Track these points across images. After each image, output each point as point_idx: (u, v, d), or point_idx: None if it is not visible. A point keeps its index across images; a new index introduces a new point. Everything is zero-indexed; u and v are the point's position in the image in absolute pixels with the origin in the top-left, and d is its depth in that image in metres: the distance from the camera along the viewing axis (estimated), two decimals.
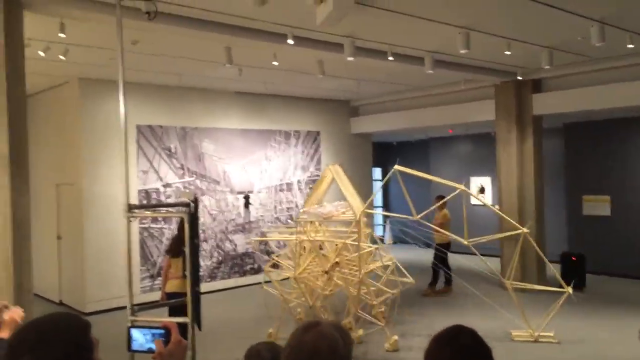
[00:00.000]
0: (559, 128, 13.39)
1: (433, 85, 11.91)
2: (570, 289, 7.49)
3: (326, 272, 7.68)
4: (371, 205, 8.69)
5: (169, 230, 10.80)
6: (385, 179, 9.34)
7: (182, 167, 11.17)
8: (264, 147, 12.49)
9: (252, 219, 12.20)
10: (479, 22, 6.96)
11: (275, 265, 8.69)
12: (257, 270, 11.92)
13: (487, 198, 15.71)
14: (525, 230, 7.77)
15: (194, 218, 5.68)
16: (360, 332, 7.78)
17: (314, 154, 13.46)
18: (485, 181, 15.67)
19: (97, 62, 8.54)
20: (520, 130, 10.81)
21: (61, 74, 9.57)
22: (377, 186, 18.52)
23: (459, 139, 16.24)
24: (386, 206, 19.23)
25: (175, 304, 6.23)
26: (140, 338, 1.82)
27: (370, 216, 14.03)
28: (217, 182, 11.69)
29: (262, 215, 12.35)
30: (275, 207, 12.60)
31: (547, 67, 8.54)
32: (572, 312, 8.64)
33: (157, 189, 10.80)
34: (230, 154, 11.87)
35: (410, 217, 8.57)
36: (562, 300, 7.56)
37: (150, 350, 1.78)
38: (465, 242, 8.05)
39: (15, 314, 3.36)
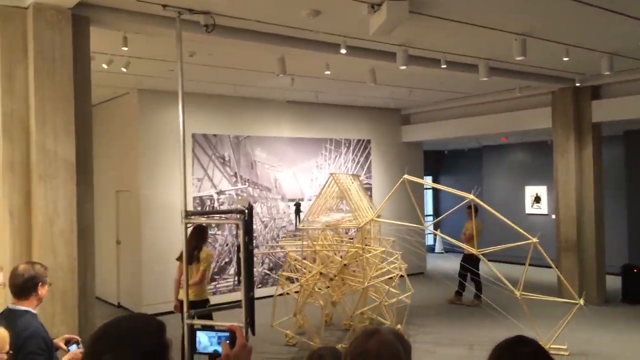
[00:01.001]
0: (619, 135, 12.90)
1: (487, 93, 11.72)
2: (582, 301, 7.25)
3: (331, 279, 7.74)
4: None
5: (222, 236, 11.03)
6: (394, 189, 9.35)
7: (235, 175, 11.39)
8: (314, 155, 12.58)
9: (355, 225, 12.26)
10: (537, 29, 6.82)
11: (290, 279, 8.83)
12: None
13: (543, 207, 15.28)
14: (534, 240, 7.48)
15: (248, 225, 5.80)
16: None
17: (365, 163, 13.46)
18: (541, 190, 15.26)
19: (155, 73, 8.85)
20: (579, 138, 10.48)
21: (122, 86, 9.96)
22: (428, 195, 18.34)
23: (514, 147, 15.89)
24: (437, 215, 18.97)
25: (232, 307, 6.32)
26: (205, 340, 1.89)
27: (416, 223, 13.92)
28: (269, 190, 11.85)
29: (436, 221, 12.36)
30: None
31: (607, 73, 8.27)
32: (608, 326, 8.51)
33: (211, 196, 11.05)
34: (281, 162, 12.03)
35: (419, 227, 8.72)
36: (572, 312, 7.35)
37: (215, 353, 1.83)
38: (477, 253, 8.03)
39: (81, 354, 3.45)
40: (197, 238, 6.86)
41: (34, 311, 3.38)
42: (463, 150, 17.31)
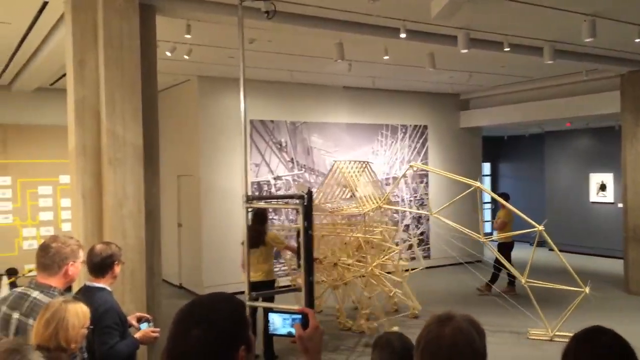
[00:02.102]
0: None
1: (551, 76, 11.31)
2: (587, 289, 7.25)
3: (335, 264, 7.89)
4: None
5: (279, 221, 11.18)
6: (401, 176, 9.27)
7: (291, 161, 11.50)
8: (370, 141, 12.53)
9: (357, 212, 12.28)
10: (608, 9, 6.51)
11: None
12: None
13: (609, 196, 14.67)
14: (540, 227, 7.44)
15: (308, 210, 5.85)
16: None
17: (421, 149, 13.29)
18: (607, 178, 14.64)
19: (216, 60, 9.01)
20: None
21: (183, 73, 10.21)
22: (486, 182, 17.94)
23: (578, 133, 15.28)
24: (494, 203, 18.55)
25: (293, 291, 6.42)
26: (279, 322, 1.92)
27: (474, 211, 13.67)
28: (325, 176, 11.90)
29: (441, 208, 12.36)
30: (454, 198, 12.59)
31: None
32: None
33: (268, 181, 11.21)
34: (337, 148, 12.04)
35: (424, 212, 8.81)
36: (578, 300, 7.37)
37: (289, 334, 1.87)
38: (482, 239, 8.08)
39: (153, 332, 3.61)
40: (260, 222, 7.01)
41: (109, 288, 3.55)
42: (524, 136, 16.79)
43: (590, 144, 15.22)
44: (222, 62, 9.00)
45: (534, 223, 7.53)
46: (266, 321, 1.93)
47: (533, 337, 7.62)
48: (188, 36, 6.70)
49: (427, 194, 12.81)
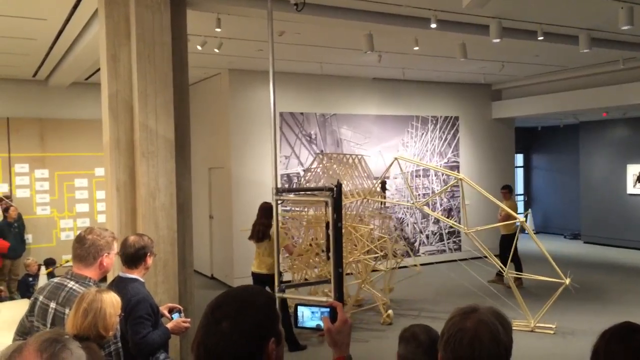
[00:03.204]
0: None
1: (586, 65, 11.02)
2: (568, 280, 7.30)
3: (317, 254, 8.05)
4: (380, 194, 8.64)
5: (306, 213, 11.19)
6: (387, 168, 9.21)
7: (321, 153, 11.50)
8: (400, 132, 12.44)
9: (387, 204, 12.24)
10: None
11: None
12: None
13: None
14: (521, 219, 7.66)
15: (337, 202, 5.86)
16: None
17: (452, 140, 13.14)
18: None
19: (245, 54, 9.06)
20: None
21: (214, 66, 10.29)
22: (519, 173, 17.63)
23: (615, 123, 14.87)
24: (528, 195, 18.26)
25: (322, 283, 6.45)
26: (308, 315, 1.93)
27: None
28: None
29: (426, 200, 12.36)
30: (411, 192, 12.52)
31: None
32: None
33: (298, 173, 11.25)
34: (367, 140, 12.00)
35: (406, 204, 8.88)
36: (558, 292, 7.41)
37: (318, 327, 1.88)
38: (466, 231, 8.15)
39: (185, 323, 3.68)
40: (265, 216, 7.07)
41: (142, 279, 3.63)
42: (558, 127, 16.42)
43: (627, 134, 14.81)
44: (252, 55, 9.04)
45: (515, 215, 8.04)
46: (296, 314, 1.94)
47: (515, 328, 7.55)
48: (218, 30, 6.75)
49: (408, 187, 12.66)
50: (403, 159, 8.65)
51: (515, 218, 8.01)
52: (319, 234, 8.23)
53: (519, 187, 17.74)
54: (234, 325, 1.44)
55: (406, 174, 12.28)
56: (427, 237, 12.83)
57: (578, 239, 15.80)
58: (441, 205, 12.92)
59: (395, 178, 12.33)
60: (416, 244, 12.71)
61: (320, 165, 9.12)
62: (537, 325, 7.57)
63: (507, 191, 10.53)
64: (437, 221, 12.68)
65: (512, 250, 9.11)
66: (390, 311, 8.04)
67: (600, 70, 10.94)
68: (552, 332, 7.52)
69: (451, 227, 12.80)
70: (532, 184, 18.28)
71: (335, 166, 8.96)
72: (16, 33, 7.48)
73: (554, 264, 7.47)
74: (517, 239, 9.03)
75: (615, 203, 14.71)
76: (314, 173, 9.24)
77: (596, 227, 15.15)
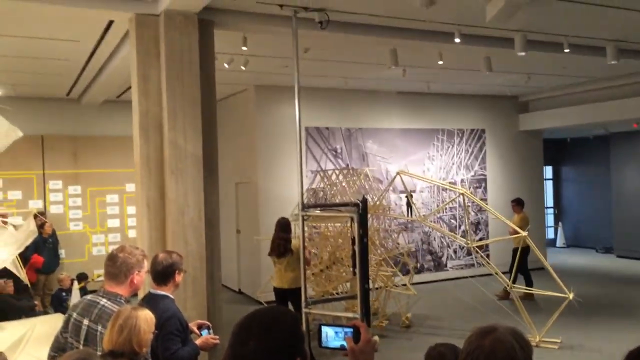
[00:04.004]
0: None
1: (615, 76, 10.85)
2: (571, 295, 7.23)
3: (321, 271, 7.99)
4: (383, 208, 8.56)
5: (333, 227, 11.21)
6: (389, 184, 9.20)
7: (347, 167, 11.54)
8: (426, 146, 12.41)
9: (415, 217, 12.19)
10: None
11: None
12: (420, 270, 11.96)
13: None
14: (524, 233, 7.59)
15: (363, 217, 5.88)
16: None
17: (479, 153, 13.04)
18: None
19: (271, 70, 9.19)
20: None
21: (241, 83, 10.46)
22: (548, 186, 17.38)
23: None
24: (558, 208, 17.96)
25: (348, 298, 6.46)
26: (332, 335, 1.96)
27: (535, 216, 13.30)
28: (380, 182, 11.88)
29: (429, 214, 12.31)
30: (437, 206, 12.47)
31: None
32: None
33: (324, 188, 11.28)
34: (392, 154, 12.00)
35: (406, 218, 9.15)
36: (563, 306, 7.33)
37: (342, 347, 1.90)
38: (470, 244, 8.21)
39: (213, 339, 3.73)
40: (283, 230, 7.14)
41: (172, 296, 3.70)
42: (588, 138, 16.17)
43: None
44: (278, 71, 9.17)
45: (518, 229, 7.94)
46: (320, 334, 1.97)
47: None
48: (244, 48, 6.87)
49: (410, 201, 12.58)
50: (405, 173, 8.75)
51: (521, 231, 7.92)
52: (340, 248, 8.25)
53: (549, 200, 17.46)
54: (260, 345, 1.48)
55: (410, 188, 12.24)
56: (455, 251, 12.71)
57: (611, 253, 15.45)
58: (469, 219, 12.79)
59: (422, 192, 12.29)
60: (443, 258, 12.60)
61: (322, 184, 9.22)
62: (542, 339, 7.45)
63: (516, 204, 10.45)
64: (464, 235, 12.55)
65: (518, 263, 9.09)
66: (376, 337, 7.85)
67: (630, 80, 10.76)
68: (556, 347, 7.40)
69: (479, 240, 12.67)
70: (562, 197, 17.97)
71: (338, 182, 9.04)
72: (51, 54, 7.75)
73: (556, 277, 7.42)
74: (519, 253, 8.96)
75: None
76: (315, 191, 9.37)
77: (629, 241, 14.79)
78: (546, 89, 12.43)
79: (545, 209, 15.18)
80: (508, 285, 7.87)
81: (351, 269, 7.90)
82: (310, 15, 6.03)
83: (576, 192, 17.51)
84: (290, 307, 7.21)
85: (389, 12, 6.37)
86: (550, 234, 17.14)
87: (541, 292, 7.62)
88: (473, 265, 12.82)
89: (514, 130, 13.45)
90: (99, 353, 2.67)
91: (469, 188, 12.74)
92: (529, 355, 1.70)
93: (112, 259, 3.11)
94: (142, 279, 3.19)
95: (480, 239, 12.82)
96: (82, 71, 8.88)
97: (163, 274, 3.61)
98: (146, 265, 3.23)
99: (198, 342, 3.68)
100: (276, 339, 1.51)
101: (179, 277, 3.67)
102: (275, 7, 5.89)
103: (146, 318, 2.72)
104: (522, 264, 9.72)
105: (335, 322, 2.02)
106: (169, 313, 3.52)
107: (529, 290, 8.99)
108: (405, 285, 8.93)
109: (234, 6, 5.97)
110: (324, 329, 1.95)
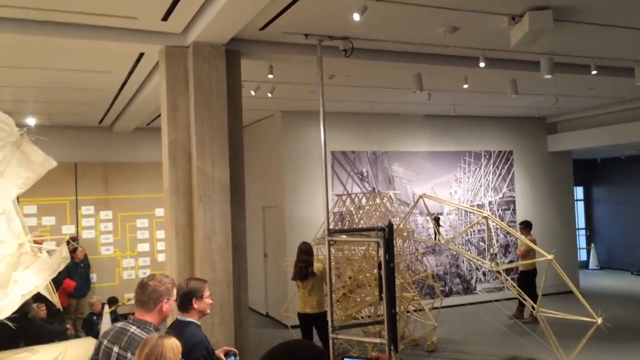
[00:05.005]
0: None
1: None
2: (600, 319, 6.91)
3: (344, 294, 7.87)
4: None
5: (360, 250, 11.20)
6: (411, 208, 9.15)
7: (373, 190, 11.55)
8: (453, 168, 12.35)
9: (442, 241, 12.08)
10: None
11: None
12: (448, 293, 11.81)
13: None
14: (549, 257, 7.21)
15: (389, 242, 5.88)
16: None
17: (507, 175, 12.91)
18: None
19: (297, 96, 9.33)
20: None
21: (267, 109, 10.63)
22: (579, 207, 17.05)
23: None
24: (590, 229, 17.57)
25: (374, 324, 6.43)
26: None
27: (566, 237, 13.04)
28: (407, 205, 11.84)
29: (452, 237, 12.19)
30: (465, 228, 12.34)
31: None
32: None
33: (351, 211, 11.29)
34: (419, 176, 11.97)
35: (428, 241, 8.93)
36: (591, 331, 7.01)
37: None
38: (496, 268, 7.98)
39: None
40: (305, 253, 7.25)
41: (198, 322, 3.74)
42: (619, 158, 15.87)
43: None
44: (304, 97, 9.30)
45: (544, 253, 7.50)
46: None
47: None
48: (270, 76, 7.01)
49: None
50: (428, 197, 8.74)
51: (541, 254, 7.74)
52: (363, 271, 8.23)
53: (580, 221, 17.12)
54: None
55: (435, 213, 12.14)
56: (485, 274, 12.53)
57: None
58: (498, 241, 12.63)
59: (449, 214, 12.19)
60: (472, 281, 12.43)
61: (343, 208, 9.25)
62: None
63: (524, 227, 10.44)
64: (493, 257, 12.38)
65: (528, 286, 8.96)
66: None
67: None
68: None
69: (509, 262, 12.48)
70: (594, 218, 17.60)
71: (358, 206, 9.06)
72: (84, 85, 8.02)
73: (584, 301, 7.22)
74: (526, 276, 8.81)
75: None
76: (342, 214, 9.39)
77: None
78: (574, 110, 12.30)
79: (577, 230, 14.87)
80: (534, 310, 7.71)
81: (374, 292, 7.89)
82: (335, 44, 6.14)
83: (608, 212, 17.14)
84: (315, 333, 7.22)
85: (412, 39, 6.44)
86: (582, 255, 16.76)
87: (568, 316, 7.43)
88: (502, 288, 12.60)
89: (543, 151, 13.30)
90: None
91: (497, 210, 12.60)
92: None
93: (142, 287, 3.19)
94: (171, 307, 3.25)
95: (510, 262, 12.62)
96: (114, 100, 9.15)
97: (182, 301, 3.65)
98: (175, 293, 3.29)
99: None
100: None
101: (198, 304, 3.67)
102: (300, 36, 6.02)
103: (172, 346, 2.77)
104: (531, 287, 9.73)
105: (359, 356, 2.04)
106: (195, 339, 3.55)
107: (549, 312, 8.80)
108: (436, 308, 8.86)
109: (260, 37, 6.11)
110: None
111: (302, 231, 10.64)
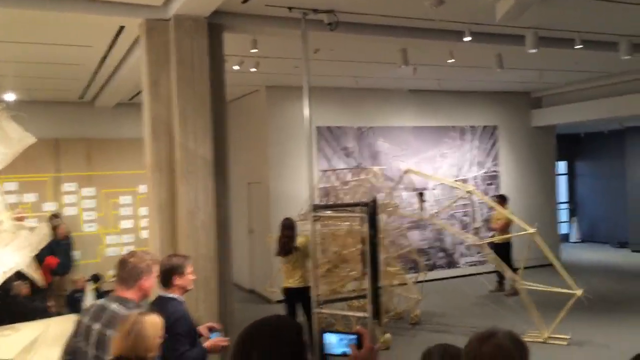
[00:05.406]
0: None
1: (630, 70, 10.72)
2: (579, 291, 7.18)
3: (328, 270, 7.99)
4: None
5: (345, 225, 11.23)
6: (397, 181, 9.20)
7: (358, 166, 11.53)
8: (438, 143, 12.37)
9: (426, 215, 12.15)
10: None
11: None
12: (432, 267, 11.93)
13: None
14: (532, 230, 7.46)
15: (373, 218, 5.90)
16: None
17: (491, 150, 12.96)
18: None
19: (282, 70, 9.22)
20: None
21: (251, 84, 10.51)
22: (562, 181, 17.23)
23: None
24: (573, 203, 17.79)
25: (358, 298, 6.48)
26: (334, 342, 1.97)
27: (548, 211, 13.19)
28: (392, 180, 11.85)
29: (436, 212, 12.26)
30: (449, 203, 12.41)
31: None
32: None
33: (335, 187, 11.29)
34: (404, 152, 11.98)
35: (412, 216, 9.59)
36: (571, 303, 7.28)
37: (344, 354, 1.91)
38: (479, 242, 8.38)
39: (223, 342, 3.73)
40: (288, 228, 7.35)
41: (180, 298, 3.73)
42: (602, 133, 16.00)
43: None
44: (288, 71, 9.19)
45: (527, 226, 7.68)
46: (322, 341, 1.98)
47: (527, 339, 7.36)
48: (254, 50, 6.91)
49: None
50: (413, 172, 8.77)
51: (523, 227, 7.80)
52: (347, 246, 8.26)
53: (563, 195, 17.31)
54: (263, 356, 1.50)
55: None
56: (468, 248, 12.65)
57: (626, 248, 15.30)
58: (482, 215, 12.73)
59: (434, 189, 12.24)
60: (455, 255, 12.57)
61: (328, 184, 9.27)
62: (551, 336, 7.44)
63: (499, 201, 10.35)
64: (477, 232, 12.50)
65: (505, 257, 9.24)
66: (387, 334, 7.73)
67: None
68: (565, 343, 7.37)
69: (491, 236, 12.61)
70: (577, 192, 17.81)
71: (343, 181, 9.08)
72: (64, 59, 7.84)
73: (564, 273, 7.39)
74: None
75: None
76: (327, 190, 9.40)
77: None
78: (559, 84, 12.32)
79: (559, 204, 15.04)
80: (515, 282, 7.87)
81: (358, 268, 7.94)
82: (319, 17, 6.04)
83: (591, 187, 17.35)
84: (299, 307, 7.26)
85: (397, 12, 6.36)
86: (564, 229, 17.00)
87: (548, 288, 7.59)
88: (485, 262, 12.75)
89: (527, 126, 13.36)
90: (109, 358, 2.71)
91: (481, 185, 12.68)
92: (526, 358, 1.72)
93: (122, 263, 3.16)
94: (152, 284, 3.23)
95: (493, 236, 12.75)
96: (95, 75, 8.97)
97: (163, 277, 3.64)
98: (155, 270, 3.27)
99: (207, 344, 3.71)
100: (280, 350, 1.53)
101: (180, 280, 3.66)
102: (284, 9, 5.91)
103: (153, 323, 2.75)
104: (507, 259, 9.88)
105: (337, 329, 2.03)
106: (176, 315, 3.55)
107: (532, 285, 8.96)
108: (419, 282, 8.94)
109: (242, 10, 5.99)
110: (327, 336, 1.96)
111: (286, 207, 10.61)
